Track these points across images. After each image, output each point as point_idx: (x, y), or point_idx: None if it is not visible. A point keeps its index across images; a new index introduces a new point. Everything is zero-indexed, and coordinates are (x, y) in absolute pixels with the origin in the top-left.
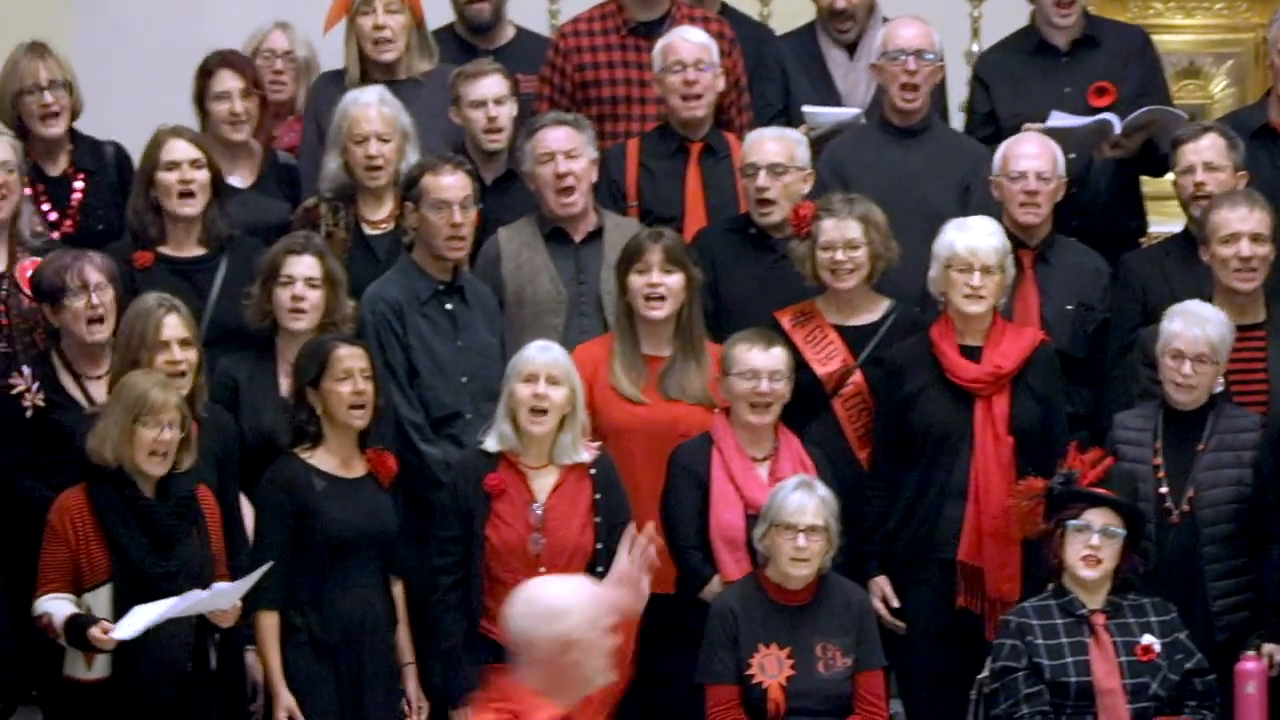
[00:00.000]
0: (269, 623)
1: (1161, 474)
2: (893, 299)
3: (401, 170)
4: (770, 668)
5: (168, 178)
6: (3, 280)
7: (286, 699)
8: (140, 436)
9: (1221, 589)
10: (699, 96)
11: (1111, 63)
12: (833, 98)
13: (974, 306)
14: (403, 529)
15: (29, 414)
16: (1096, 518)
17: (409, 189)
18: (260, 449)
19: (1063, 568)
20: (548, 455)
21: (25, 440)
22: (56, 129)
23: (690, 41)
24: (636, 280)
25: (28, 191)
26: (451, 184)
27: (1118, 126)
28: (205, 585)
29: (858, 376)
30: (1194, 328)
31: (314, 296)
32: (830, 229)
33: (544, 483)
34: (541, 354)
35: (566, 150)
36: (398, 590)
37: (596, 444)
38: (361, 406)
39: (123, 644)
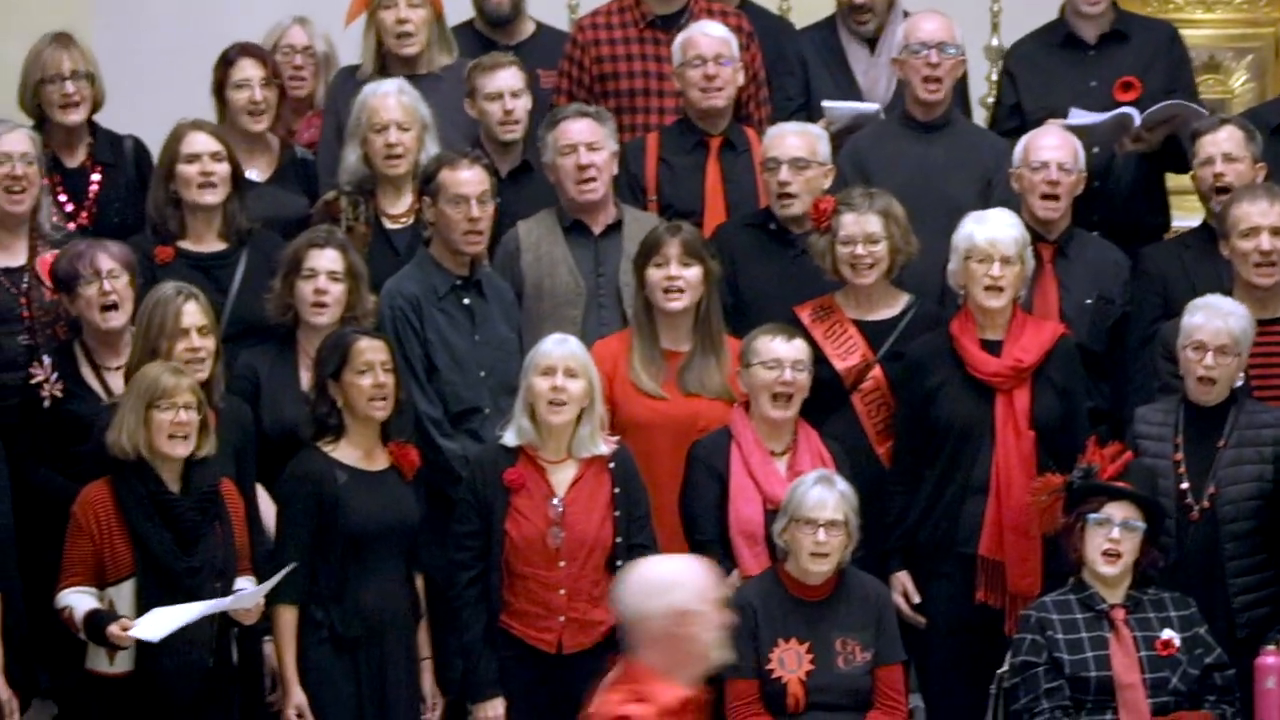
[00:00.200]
0: (287, 618)
1: (1182, 470)
2: (912, 294)
3: (421, 162)
4: (790, 662)
5: (188, 170)
6: (24, 273)
7: (298, 696)
8: (157, 421)
9: (1242, 585)
10: (719, 90)
11: (1139, 58)
12: (854, 92)
13: (994, 299)
14: (424, 523)
15: (46, 403)
16: (1117, 511)
17: (426, 183)
18: (281, 442)
19: (1082, 562)
20: (566, 449)
21: (42, 429)
22: (76, 117)
23: (710, 36)
24: (655, 273)
25: (44, 182)
26: (469, 179)
27: (1137, 120)
28: (229, 580)
29: (877, 371)
30: (1215, 320)
31: (336, 290)
32: (850, 223)
33: (563, 477)
34: (559, 347)
35: (588, 142)
36: (420, 584)
37: (615, 437)
38: (383, 399)
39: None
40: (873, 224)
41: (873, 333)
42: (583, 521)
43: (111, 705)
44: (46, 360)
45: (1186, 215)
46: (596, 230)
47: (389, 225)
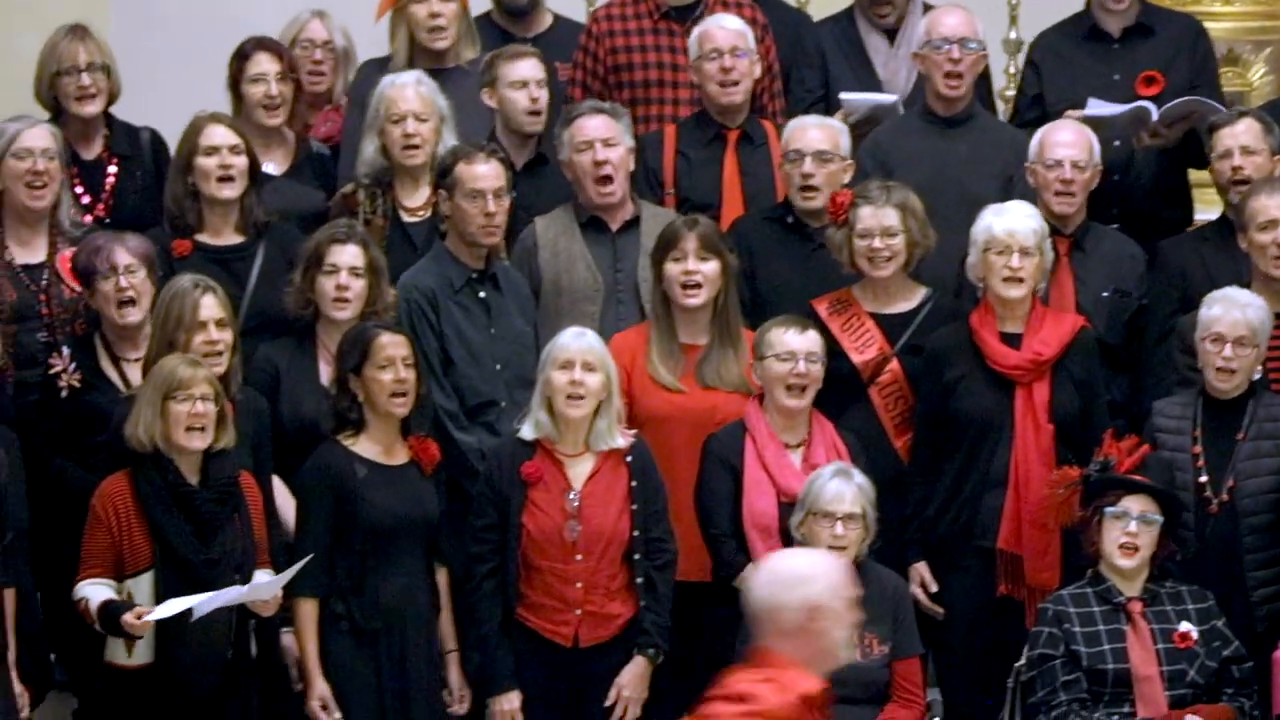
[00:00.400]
0: (308, 610)
1: (1201, 463)
2: (929, 287)
3: (438, 154)
4: None
5: (207, 163)
6: (44, 270)
7: (321, 687)
8: (174, 413)
9: (1261, 578)
10: (736, 83)
11: (1163, 52)
12: (874, 85)
13: (1013, 290)
14: (444, 517)
15: (64, 394)
16: (1134, 504)
17: (442, 177)
18: (300, 436)
19: (1099, 555)
20: (584, 442)
21: (59, 420)
22: (92, 109)
23: (726, 29)
24: (673, 268)
25: (64, 177)
26: (486, 173)
27: (1154, 114)
28: (247, 572)
29: (894, 364)
30: (1234, 311)
31: (357, 285)
32: (868, 216)
33: (580, 470)
34: (576, 340)
35: (604, 138)
36: (441, 577)
37: (632, 431)
38: (404, 394)
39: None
40: (890, 217)
41: (890, 326)
42: (600, 515)
43: (130, 697)
44: (65, 351)
45: (1208, 208)
46: (614, 226)
47: (406, 218)
